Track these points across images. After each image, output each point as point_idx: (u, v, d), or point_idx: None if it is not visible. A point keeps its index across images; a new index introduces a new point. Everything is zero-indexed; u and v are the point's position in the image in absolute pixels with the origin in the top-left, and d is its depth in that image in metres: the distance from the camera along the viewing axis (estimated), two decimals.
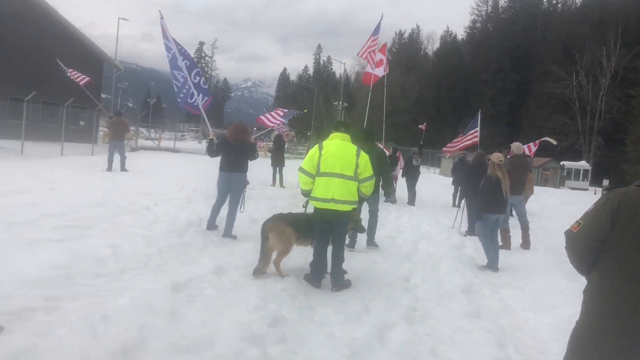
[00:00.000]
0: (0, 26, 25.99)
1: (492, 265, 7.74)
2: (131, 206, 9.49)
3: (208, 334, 4.19)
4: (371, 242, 8.48)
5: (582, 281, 2.93)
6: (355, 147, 5.95)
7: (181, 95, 9.27)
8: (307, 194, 6.01)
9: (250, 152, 8.35)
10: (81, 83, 22.91)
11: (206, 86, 9.86)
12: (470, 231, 10.69)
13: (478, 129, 16.19)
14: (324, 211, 5.85)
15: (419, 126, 23.05)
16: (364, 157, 5.87)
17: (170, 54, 9.23)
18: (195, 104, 9.32)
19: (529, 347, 4.68)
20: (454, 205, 16.00)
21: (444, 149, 17.85)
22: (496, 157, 7.94)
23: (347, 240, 7.29)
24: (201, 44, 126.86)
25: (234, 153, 8.14)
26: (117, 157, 16.35)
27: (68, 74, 23.04)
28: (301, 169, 5.93)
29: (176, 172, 17.58)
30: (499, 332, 4.95)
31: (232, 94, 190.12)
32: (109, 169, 15.93)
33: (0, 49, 26.01)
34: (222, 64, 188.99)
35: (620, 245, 2.59)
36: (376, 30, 17.05)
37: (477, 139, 16.95)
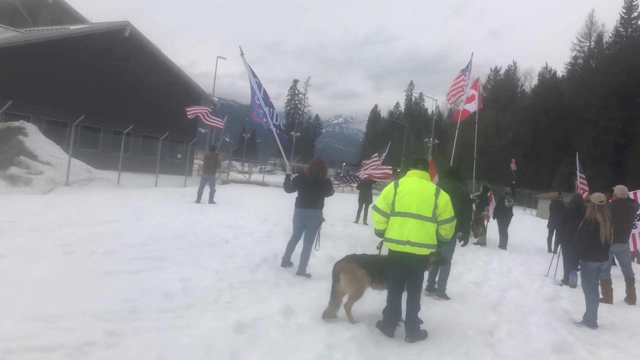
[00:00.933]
0: (109, 65, 28.10)
1: (591, 320, 6.92)
2: (211, 239, 9.54)
3: None
4: (442, 294, 7.68)
5: None
6: (435, 185, 5.55)
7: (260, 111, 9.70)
8: (380, 234, 5.66)
9: (326, 189, 8.15)
10: (214, 126, 23.86)
11: (278, 122, 10.28)
12: (566, 280, 9.77)
13: (583, 174, 15.14)
14: (398, 254, 5.46)
15: (510, 165, 21.81)
16: (444, 197, 5.44)
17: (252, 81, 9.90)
18: (266, 122, 9.77)
19: None
20: (549, 250, 14.90)
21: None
22: (596, 197, 7.17)
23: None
24: (295, 81, 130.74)
25: (309, 189, 7.97)
26: (207, 190, 16.78)
27: (205, 121, 23.88)
28: (374, 207, 5.61)
29: (261, 206, 17.73)
30: None
31: (324, 130, 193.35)
32: (198, 200, 16.35)
33: (108, 86, 28.03)
34: (315, 100, 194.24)
35: None
36: (466, 69, 16.64)
37: (585, 184, 15.90)
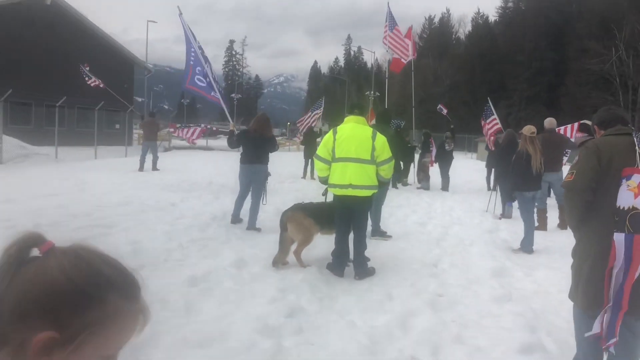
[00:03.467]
0: (33, 35, 26.66)
1: (527, 247, 7.39)
2: (157, 203, 9.51)
3: (221, 328, 4.06)
4: (377, 232, 7.87)
5: None
6: (371, 129, 5.73)
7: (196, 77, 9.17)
8: (324, 181, 5.84)
9: (270, 144, 8.21)
10: (93, 85, 22.63)
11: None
12: (505, 213, 10.33)
13: (495, 115, 15.68)
14: (342, 197, 5.66)
15: (441, 111, 21.98)
16: (381, 139, 5.63)
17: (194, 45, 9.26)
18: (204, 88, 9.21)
19: (563, 330, 4.36)
20: (488, 189, 15.55)
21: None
22: (527, 129, 7.54)
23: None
24: (231, 42, 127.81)
25: (254, 145, 8.02)
26: (149, 158, 16.50)
27: (90, 82, 22.87)
28: (316, 156, 5.77)
29: (207, 170, 17.64)
30: (530, 316, 4.66)
31: (265, 91, 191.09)
32: (141, 168, 16.08)
33: (34, 58, 26.69)
34: (254, 61, 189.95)
35: (604, 187, 2.96)
36: (390, 21, 16.62)
37: (499, 125, 16.43)
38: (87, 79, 22.44)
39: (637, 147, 2.99)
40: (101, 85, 22.29)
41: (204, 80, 9.05)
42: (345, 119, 5.84)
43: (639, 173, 2.89)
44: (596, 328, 2.91)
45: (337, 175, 5.58)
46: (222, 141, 51.54)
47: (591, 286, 2.96)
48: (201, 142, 40.12)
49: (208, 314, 4.36)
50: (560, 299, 5.24)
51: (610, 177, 2.95)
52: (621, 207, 2.88)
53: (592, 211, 3.06)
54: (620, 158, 2.97)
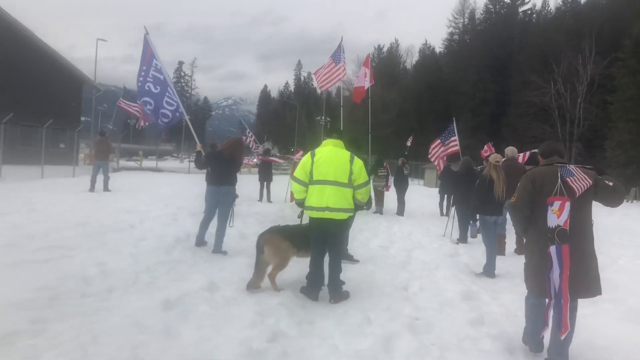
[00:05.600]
0: None
1: (489, 271, 7.59)
2: (116, 224, 9.23)
3: (205, 352, 3.98)
4: (344, 256, 7.57)
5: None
6: (349, 152, 5.78)
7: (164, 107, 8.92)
8: (301, 203, 5.82)
9: (237, 166, 8.14)
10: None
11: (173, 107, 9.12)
12: (462, 239, 10.57)
13: (456, 137, 16.20)
14: (319, 220, 5.66)
15: (407, 142, 23.04)
16: (358, 163, 5.69)
17: (146, 68, 8.96)
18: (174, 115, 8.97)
19: (538, 354, 4.50)
20: (441, 214, 15.91)
21: (430, 156, 17.73)
22: (494, 157, 7.84)
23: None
24: (180, 63, 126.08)
25: (223, 166, 7.92)
26: (99, 178, 16.01)
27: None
28: (293, 178, 5.75)
29: (160, 191, 17.28)
30: (506, 339, 4.77)
31: (213, 113, 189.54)
32: (92, 189, 15.58)
33: None
34: (204, 82, 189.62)
35: (539, 205, 4.14)
36: (337, 54, 16.42)
37: (457, 147, 16.96)
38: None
39: (559, 178, 4.06)
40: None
41: (173, 102, 8.88)
42: (323, 142, 5.88)
43: (558, 200, 4.00)
44: (545, 324, 4.12)
45: (315, 198, 5.59)
46: (170, 163, 50.65)
47: (538, 274, 4.16)
48: (150, 163, 39.35)
49: (188, 338, 4.26)
50: None
51: (542, 199, 4.10)
52: (550, 226, 4.01)
53: (531, 223, 4.24)
54: (548, 184, 4.10)
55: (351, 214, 5.81)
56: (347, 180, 5.60)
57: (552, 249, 3.97)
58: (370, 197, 13.92)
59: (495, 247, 7.81)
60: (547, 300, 4.11)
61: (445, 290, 6.48)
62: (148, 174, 29.62)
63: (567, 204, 3.96)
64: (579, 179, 4.01)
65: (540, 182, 4.13)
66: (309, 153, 5.80)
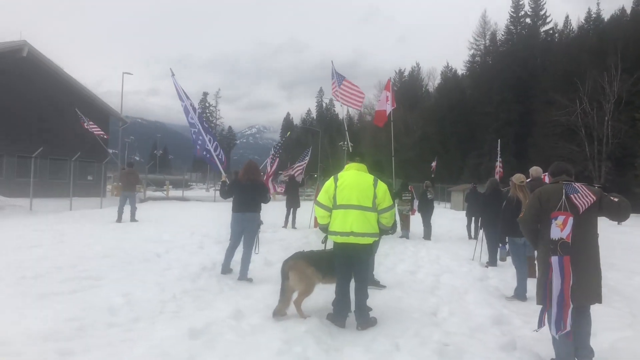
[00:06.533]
0: (8, 88, 26.35)
1: (521, 294, 7.39)
2: (142, 254, 9.28)
3: None
4: (371, 281, 7.45)
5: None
6: (372, 176, 5.73)
7: (199, 143, 9.16)
8: (324, 228, 5.77)
9: (261, 192, 8.15)
10: (95, 133, 23.83)
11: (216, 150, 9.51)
12: (492, 262, 10.36)
13: (499, 158, 16.02)
14: (343, 245, 5.59)
15: (431, 166, 23.01)
16: (382, 187, 5.64)
17: (183, 104, 9.25)
18: (214, 155, 9.16)
19: None
20: (469, 237, 15.66)
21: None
22: (517, 177, 7.70)
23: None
24: (205, 94, 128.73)
25: (245, 193, 7.96)
26: (127, 208, 16.21)
27: (86, 125, 23.83)
28: (317, 202, 5.71)
29: (186, 220, 17.40)
30: None
31: (238, 142, 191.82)
32: (119, 220, 15.77)
33: (7, 110, 26.27)
34: (228, 113, 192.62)
35: (545, 220, 4.42)
36: (338, 77, 16.26)
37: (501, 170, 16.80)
38: (83, 123, 23.46)
39: (563, 195, 4.35)
40: (96, 132, 23.32)
41: (211, 143, 9.07)
42: (346, 166, 5.85)
43: (562, 215, 4.28)
44: (540, 324, 4.45)
45: (339, 223, 5.53)
46: (197, 192, 51.18)
47: (542, 284, 4.41)
48: (177, 192, 39.79)
49: None
50: None
51: (548, 215, 4.39)
52: (553, 239, 4.28)
53: (540, 238, 4.53)
54: (554, 200, 4.40)
55: (376, 239, 5.73)
56: (370, 204, 5.54)
57: (554, 260, 4.25)
58: (395, 221, 13.86)
59: (525, 269, 7.62)
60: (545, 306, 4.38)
61: (476, 314, 6.32)
62: (175, 203, 29.92)
63: (570, 219, 4.25)
64: (583, 196, 4.30)
65: (546, 198, 4.46)
66: (332, 177, 5.77)
